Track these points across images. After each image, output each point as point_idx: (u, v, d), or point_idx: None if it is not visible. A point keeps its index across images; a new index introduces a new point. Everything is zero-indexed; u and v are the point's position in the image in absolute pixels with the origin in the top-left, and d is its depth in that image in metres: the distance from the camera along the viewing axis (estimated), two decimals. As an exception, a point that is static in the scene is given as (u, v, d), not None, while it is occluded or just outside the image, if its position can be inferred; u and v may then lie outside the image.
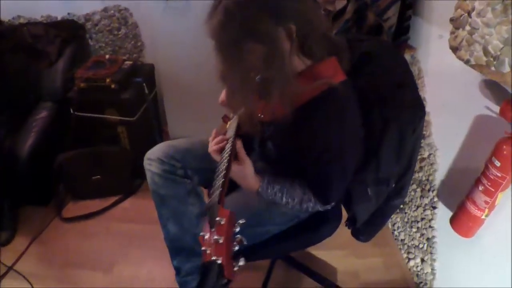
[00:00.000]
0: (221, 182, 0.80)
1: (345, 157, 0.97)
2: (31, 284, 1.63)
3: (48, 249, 1.82)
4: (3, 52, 2.00)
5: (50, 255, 1.78)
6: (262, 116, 1.04)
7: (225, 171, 0.83)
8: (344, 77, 0.95)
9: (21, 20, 2.16)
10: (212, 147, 0.98)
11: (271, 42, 0.83)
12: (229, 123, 1.19)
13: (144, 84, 2.01)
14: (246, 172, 0.97)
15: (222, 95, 1.23)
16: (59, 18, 2.17)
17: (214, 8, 0.85)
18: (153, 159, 1.17)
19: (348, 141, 0.95)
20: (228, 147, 0.94)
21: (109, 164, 2.05)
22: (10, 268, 1.70)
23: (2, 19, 2.30)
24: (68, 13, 2.16)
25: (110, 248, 1.80)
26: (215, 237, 0.63)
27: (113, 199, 2.04)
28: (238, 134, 1.05)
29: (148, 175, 1.18)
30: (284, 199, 1.01)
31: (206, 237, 0.65)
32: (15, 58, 2.01)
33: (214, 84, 0.98)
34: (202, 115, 2.00)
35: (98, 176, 2.04)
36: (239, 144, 0.96)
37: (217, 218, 0.65)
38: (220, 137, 0.99)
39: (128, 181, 2.12)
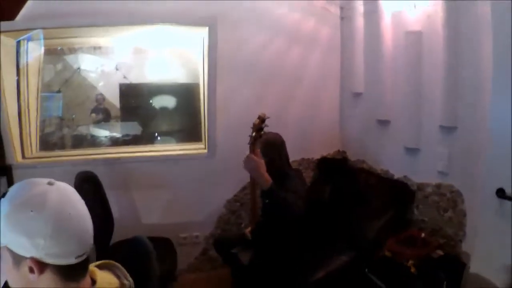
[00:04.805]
0: None
1: None
2: None
3: None
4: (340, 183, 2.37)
5: None
6: None
7: None
8: None
9: (364, 165, 2.49)
10: None
11: None
12: None
13: (445, 283, 1.85)
14: None
15: None
16: (395, 177, 2.34)
17: None
18: None
19: None
20: None
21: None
22: None
23: (347, 156, 2.76)
24: (405, 176, 2.29)
25: None
26: None
27: None
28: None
29: None
30: None
31: None
32: (345, 198, 2.33)
33: None
34: None
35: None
36: None
37: None
38: None
39: None
